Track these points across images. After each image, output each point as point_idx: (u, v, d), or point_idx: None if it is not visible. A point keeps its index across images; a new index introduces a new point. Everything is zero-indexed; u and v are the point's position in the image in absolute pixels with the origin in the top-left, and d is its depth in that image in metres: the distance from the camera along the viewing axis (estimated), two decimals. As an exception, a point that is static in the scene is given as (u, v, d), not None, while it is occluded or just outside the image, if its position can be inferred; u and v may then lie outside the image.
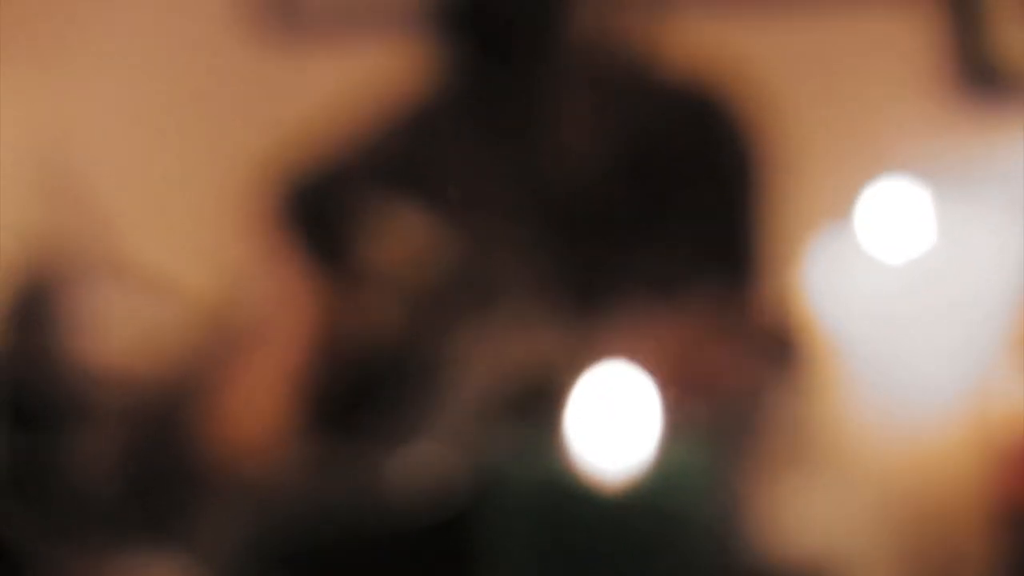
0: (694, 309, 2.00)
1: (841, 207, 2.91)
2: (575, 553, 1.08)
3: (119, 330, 2.50)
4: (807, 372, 1.28)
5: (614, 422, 1.13)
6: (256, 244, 2.33)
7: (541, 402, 1.81)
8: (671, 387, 1.27)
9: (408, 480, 1.86)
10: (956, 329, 1.15)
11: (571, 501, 1.08)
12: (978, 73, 2.67)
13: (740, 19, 2.79)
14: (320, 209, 2.31)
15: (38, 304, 2.42)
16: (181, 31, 3.00)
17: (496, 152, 2.31)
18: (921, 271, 1.19)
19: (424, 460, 1.90)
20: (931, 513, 1.08)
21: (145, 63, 2.97)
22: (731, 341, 1.96)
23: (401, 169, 2.31)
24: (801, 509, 1.26)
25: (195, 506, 2.08)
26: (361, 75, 2.53)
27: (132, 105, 2.93)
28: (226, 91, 2.98)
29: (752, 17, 2.80)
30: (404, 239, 2.20)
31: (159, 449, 2.24)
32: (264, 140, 2.65)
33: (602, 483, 1.09)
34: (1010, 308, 1.17)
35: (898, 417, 1.14)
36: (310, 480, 2.01)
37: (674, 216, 2.21)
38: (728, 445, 1.40)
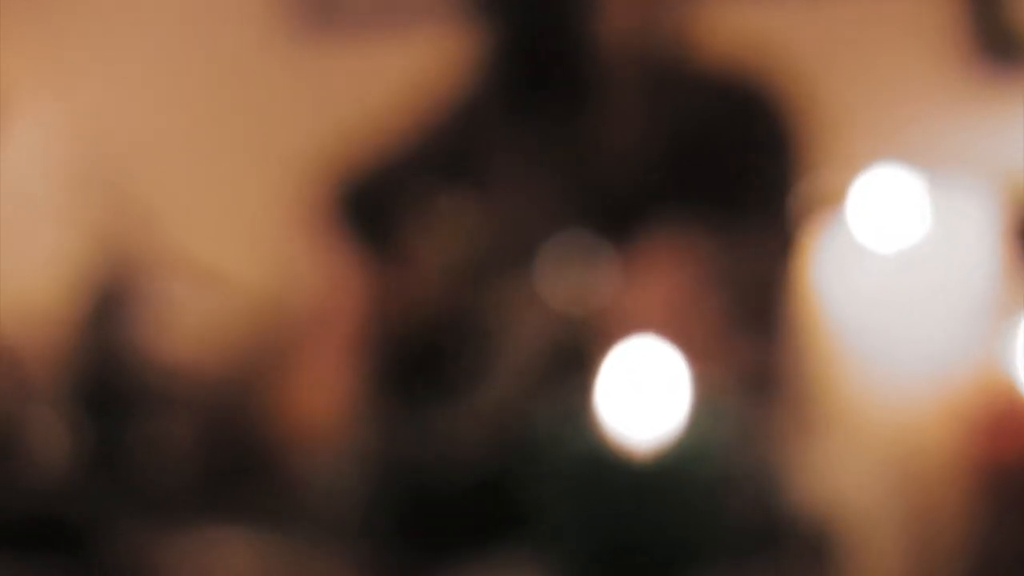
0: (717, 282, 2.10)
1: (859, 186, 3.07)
2: (610, 511, 1.19)
3: (185, 324, 2.61)
4: (806, 348, 1.35)
5: (643, 392, 1.24)
6: (308, 234, 2.41)
7: (576, 367, 1.95)
8: (685, 349, 1.38)
9: (462, 441, 1.98)
10: (947, 309, 1.24)
11: (605, 464, 1.20)
12: (996, 47, 2.87)
13: (764, 3, 2.94)
14: (369, 202, 2.37)
15: (111, 302, 2.50)
16: (224, 30, 3.22)
17: (539, 142, 2.36)
18: (914, 256, 1.27)
19: (475, 422, 2.01)
20: (926, 475, 1.21)
21: (187, 62, 3.20)
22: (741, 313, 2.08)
23: (446, 161, 2.38)
24: (811, 470, 1.38)
25: (264, 485, 2.16)
26: (401, 68, 2.62)
27: (177, 104, 3.17)
28: (270, 87, 3.17)
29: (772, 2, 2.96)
30: (450, 227, 2.27)
31: (227, 434, 2.32)
32: (311, 134, 2.83)
33: (633, 448, 1.21)
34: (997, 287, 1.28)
35: (893, 389, 1.25)
36: (374, 447, 2.08)
37: (712, 200, 2.28)
38: (744, 411, 1.51)
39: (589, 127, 2.37)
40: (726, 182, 2.37)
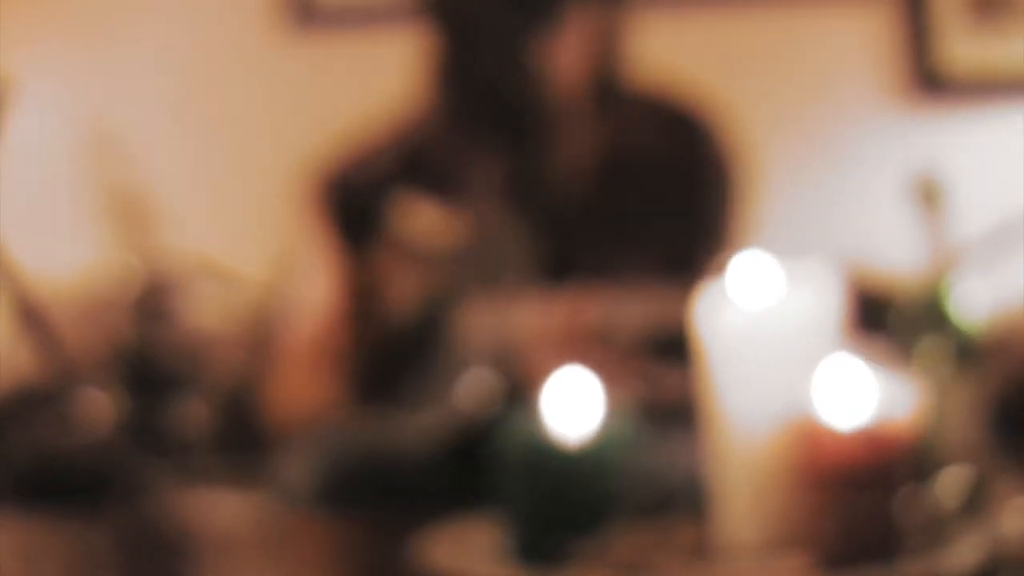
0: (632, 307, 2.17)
1: (792, 207, 2.96)
2: (548, 485, 1.51)
3: (207, 317, 2.78)
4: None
5: (572, 401, 1.57)
6: (300, 228, 2.47)
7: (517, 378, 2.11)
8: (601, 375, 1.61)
9: (429, 424, 2.15)
10: (793, 358, 1.49)
11: (547, 453, 1.52)
12: (927, 80, 3.00)
13: (699, 26, 3.02)
14: (349, 200, 2.42)
15: (151, 298, 2.67)
16: (219, 28, 3.25)
17: (497, 158, 2.34)
18: (772, 316, 1.50)
19: (440, 409, 2.17)
20: (770, 468, 1.49)
21: (186, 59, 3.25)
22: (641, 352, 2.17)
23: (417, 167, 2.40)
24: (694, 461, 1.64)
25: (266, 452, 2.33)
26: (382, 67, 2.71)
27: (173, 103, 3.23)
28: (261, 86, 3.20)
29: (709, 24, 3.05)
30: (420, 226, 2.35)
31: (239, 410, 2.51)
32: (302, 129, 2.96)
33: (566, 442, 1.55)
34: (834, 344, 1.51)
35: (753, 411, 1.51)
36: (356, 425, 2.25)
37: (646, 219, 2.33)
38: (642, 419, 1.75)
39: (535, 152, 2.35)
40: (655, 198, 2.38)
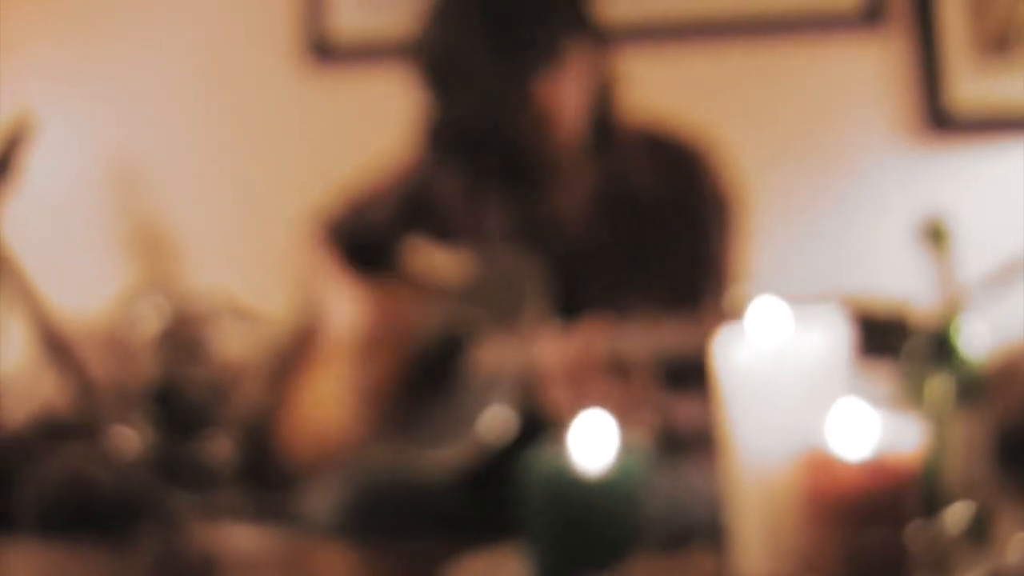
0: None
1: (799, 244, 2.99)
2: (569, 514, 1.55)
3: (231, 352, 2.80)
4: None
5: (591, 436, 1.62)
6: (313, 264, 2.49)
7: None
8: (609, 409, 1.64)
9: (450, 455, 2.19)
10: (801, 395, 1.54)
11: (567, 481, 1.56)
12: (935, 118, 2.99)
13: (706, 61, 2.98)
14: (354, 244, 2.44)
15: (178, 333, 2.69)
16: (232, 69, 3.22)
17: (499, 200, 2.35)
18: (782, 355, 1.55)
19: (460, 440, 2.20)
20: (780, 499, 1.53)
21: (199, 98, 3.23)
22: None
23: (421, 209, 2.40)
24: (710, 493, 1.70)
25: (287, 486, 2.35)
26: (398, 103, 2.54)
27: (191, 138, 3.21)
28: (278, 122, 3.18)
29: (716, 60, 3.02)
30: (428, 266, 2.37)
31: (261, 444, 2.50)
32: (315, 165, 2.97)
33: (586, 474, 1.58)
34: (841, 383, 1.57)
35: (764, 443, 1.56)
36: (378, 457, 2.26)
37: (648, 254, 2.33)
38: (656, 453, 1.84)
39: (537, 193, 2.36)
40: (660, 244, 2.38)
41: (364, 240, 2.44)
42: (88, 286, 3.10)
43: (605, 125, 2.35)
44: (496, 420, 2.22)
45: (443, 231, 2.38)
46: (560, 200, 2.35)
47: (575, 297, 2.29)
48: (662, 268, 2.34)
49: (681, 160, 2.40)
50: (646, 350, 2.15)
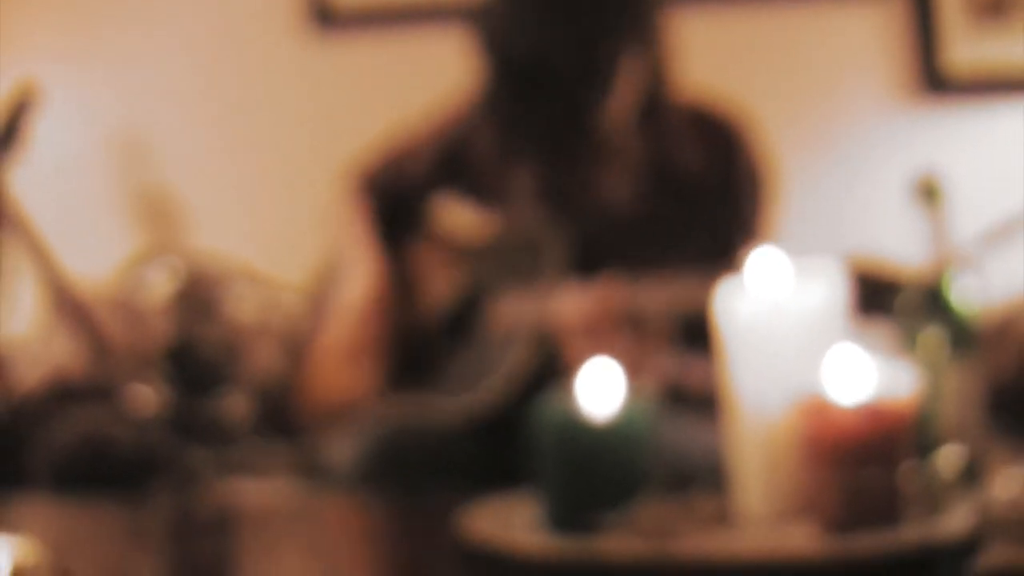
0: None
1: (799, 203, 2.96)
2: (579, 463, 1.59)
3: (244, 313, 2.83)
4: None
5: (599, 384, 1.66)
6: (335, 225, 2.51)
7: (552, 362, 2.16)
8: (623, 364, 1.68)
9: (465, 404, 2.23)
10: (802, 343, 1.58)
11: (576, 427, 1.61)
12: (932, 80, 3.01)
13: (706, 27, 3.00)
14: (388, 199, 2.47)
15: (193, 295, 2.73)
16: (236, 36, 3.23)
17: (538, 164, 2.38)
18: (784, 306, 1.60)
19: (474, 390, 2.23)
20: (780, 443, 1.57)
21: (204, 66, 3.24)
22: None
23: (455, 168, 2.44)
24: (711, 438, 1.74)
25: (303, 440, 2.40)
26: (399, 69, 2.70)
27: (197, 105, 3.22)
28: (283, 89, 3.19)
29: (716, 25, 3.05)
30: (456, 224, 2.40)
31: (277, 402, 2.57)
32: (317, 132, 2.99)
33: (595, 420, 1.63)
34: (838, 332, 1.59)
35: (765, 390, 1.60)
36: (394, 409, 2.30)
37: (688, 224, 2.37)
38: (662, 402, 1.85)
39: (582, 164, 2.39)
40: (699, 214, 2.42)
41: (398, 194, 2.46)
42: (95, 252, 3.11)
43: (653, 103, 2.40)
44: (512, 373, 2.25)
45: (476, 190, 2.41)
46: (604, 175, 2.38)
47: (611, 266, 2.33)
48: (697, 241, 2.39)
49: (721, 137, 2.45)
50: (662, 305, 2.21)
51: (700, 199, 2.40)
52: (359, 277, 2.42)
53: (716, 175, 2.41)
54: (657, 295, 2.23)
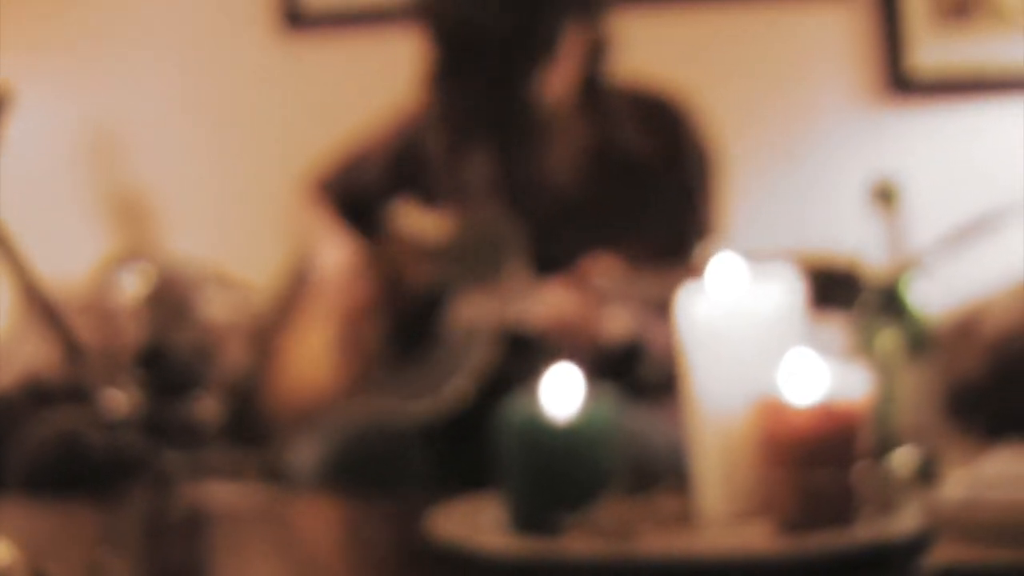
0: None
1: (759, 201, 3.09)
2: (542, 464, 1.61)
3: (215, 315, 2.85)
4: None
5: (562, 385, 1.68)
6: (298, 222, 2.53)
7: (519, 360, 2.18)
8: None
9: (424, 408, 2.22)
10: (758, 344, 1.60)
11: (539, 428, 1.63)
12: (896, 81, 3.04)
13: (671, 22, 3.03)
14: (345, 204, 2.49)
15: (164, 297, 2.72)
16: (206, 37, 3.25)
17: (488, 158, 2.40)
18: (740, 307, 1.61)
19: (434, 393, 2.23)
20: (735, 439, 1.59)
21: (173, 66, 3.25)
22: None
23: (409, 169, 2.46)
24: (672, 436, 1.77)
25: (271, 444, 2.40)
26: (366, 69, 2.72)
27: (168, 105, 3.22)
28: (251, 89, 3.20)
29: (681, 21, 3.07)
30: (414, 225, 2.42)
31: (246, 404, 2.56)
32: (285, 132, 3.01)
33: (557, 419, 1.65)
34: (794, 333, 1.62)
35: (724, 389, 1.61)
36: (356, 412, 2.31)
37: (636, 207, 2.38)
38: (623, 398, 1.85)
39: (526, 152, 2.41)
40: (646, 198, 2.44)
41: (355, 199, 2.48)
42: (67, 253, 3.11)
43: (595, 85, 2.41)
44: (473, 373, 2.27)
45: (430, 192, 2.43)
46: (548, 158, 2.40)
47: (562, 252, 2.34)
48: (648, 223, 2.40)
49: (665, 118, 2.45)
50: (639, 289, 2.23)
51: (648, 181, 2.40)
52: (333, 249, 2.42)
53: (663, 157, 2.41)
54: (631, 281, 2.24)
